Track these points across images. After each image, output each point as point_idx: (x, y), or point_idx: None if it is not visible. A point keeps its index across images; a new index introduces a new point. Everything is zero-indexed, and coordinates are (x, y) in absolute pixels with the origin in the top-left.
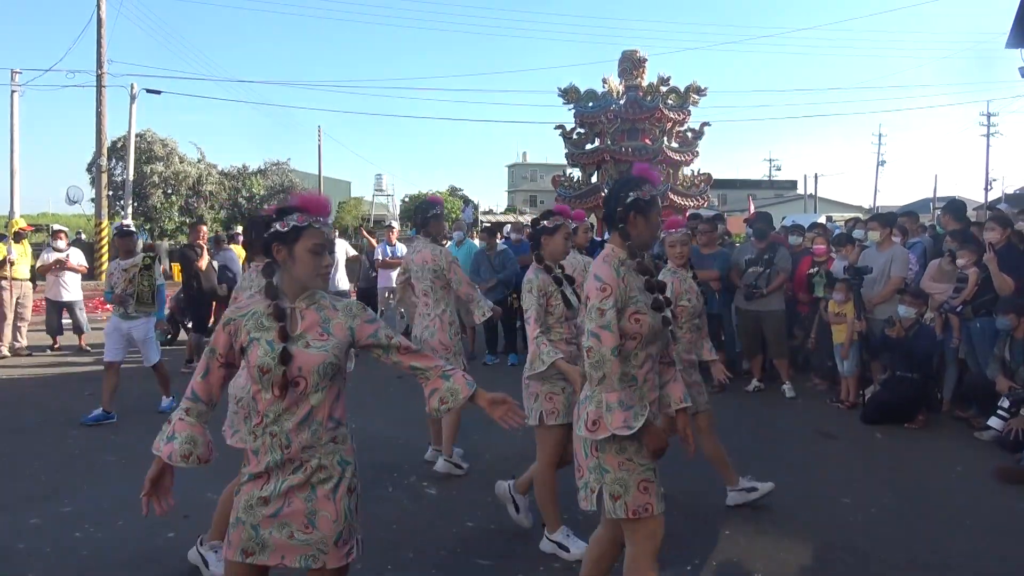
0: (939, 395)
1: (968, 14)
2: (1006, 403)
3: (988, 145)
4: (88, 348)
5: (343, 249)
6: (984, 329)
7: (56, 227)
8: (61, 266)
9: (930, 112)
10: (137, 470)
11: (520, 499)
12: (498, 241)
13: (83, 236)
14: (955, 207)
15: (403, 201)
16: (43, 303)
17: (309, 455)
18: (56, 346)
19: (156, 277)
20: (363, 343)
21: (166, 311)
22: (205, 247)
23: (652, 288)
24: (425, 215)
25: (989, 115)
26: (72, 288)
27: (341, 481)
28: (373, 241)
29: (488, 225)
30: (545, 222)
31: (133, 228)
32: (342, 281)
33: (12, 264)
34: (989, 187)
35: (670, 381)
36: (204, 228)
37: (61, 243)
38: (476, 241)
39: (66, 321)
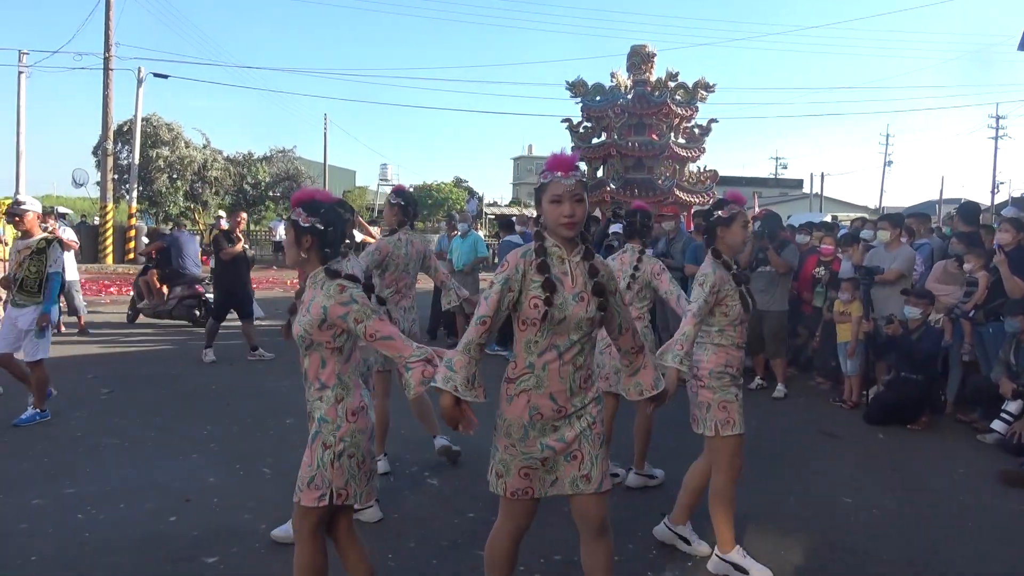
0: (943, 397)
1: (979, 16)
2: (1011, 406)
3: (996, 148)
4: (88, 330)
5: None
6: (996, 333)
7: (61, 209)
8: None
9: (938, 113)
10: (140, 454)
11: (685, 530)
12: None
13: (96, 219)
14: (968, 210)
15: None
16: None
17: (310, 407)
18: (62, 330)
19: (49, 264)
20: (334, 323)
21: (54, 298)
22: (241, 235)
23: (547, 287)
24: (417, 207)
25: (998, 117)
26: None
27: (317, 435)
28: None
29: (493, 217)
30: (720, 212)
31: (26, 205)
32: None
33: (6, 245)
34: (996, 190)
35: (640, 368)
36: (244, 215)
37: (50, 222)
38: (481, 233)
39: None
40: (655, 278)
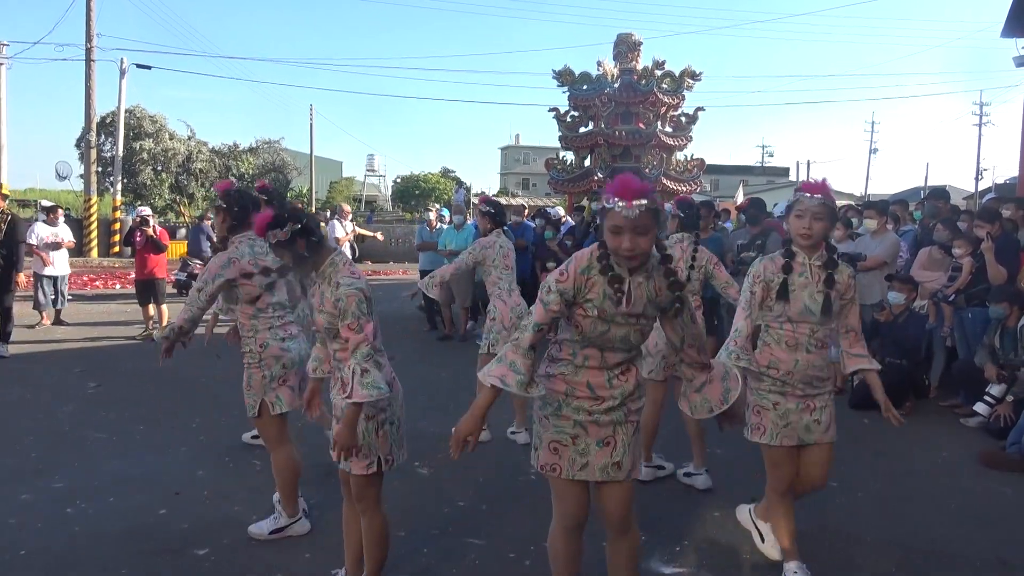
0: (927, 381)
1: (964, 3)
2: (994, 389)
3: (980, 135)
4: (64, 320)
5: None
6: (975, 318)
7: (45, 203)
8: (56, 246)
9: (923, 101)
10: (128, 447)
11: (764, 527)
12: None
13: (72, 212)
14: (942, 193)
15: (395, 182)
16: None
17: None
18: (46, 323)
19: None
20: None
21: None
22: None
23: (617, 290)
24: (505, 214)
25: (982, 104)
26: (59, 264)
27: None
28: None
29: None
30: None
31: None
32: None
33: None
34: (980, 176)
35: (706, 383)
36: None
37: (60, 220)
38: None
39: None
40: (714, 267)
